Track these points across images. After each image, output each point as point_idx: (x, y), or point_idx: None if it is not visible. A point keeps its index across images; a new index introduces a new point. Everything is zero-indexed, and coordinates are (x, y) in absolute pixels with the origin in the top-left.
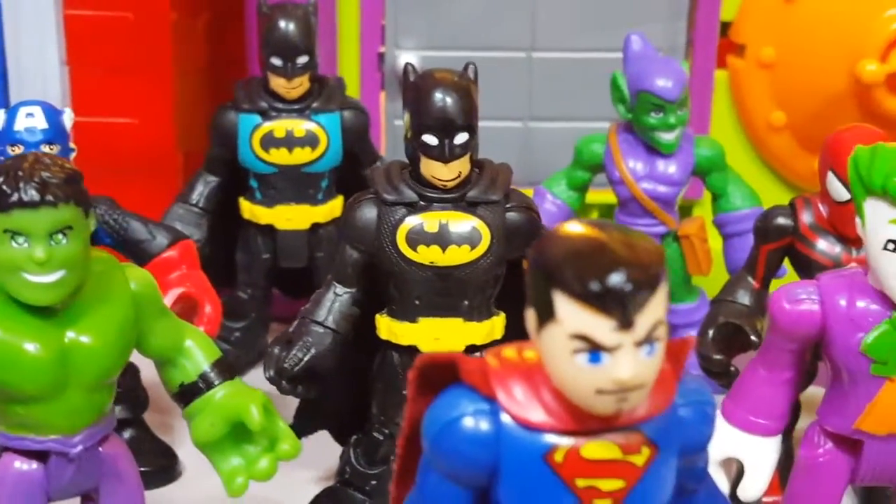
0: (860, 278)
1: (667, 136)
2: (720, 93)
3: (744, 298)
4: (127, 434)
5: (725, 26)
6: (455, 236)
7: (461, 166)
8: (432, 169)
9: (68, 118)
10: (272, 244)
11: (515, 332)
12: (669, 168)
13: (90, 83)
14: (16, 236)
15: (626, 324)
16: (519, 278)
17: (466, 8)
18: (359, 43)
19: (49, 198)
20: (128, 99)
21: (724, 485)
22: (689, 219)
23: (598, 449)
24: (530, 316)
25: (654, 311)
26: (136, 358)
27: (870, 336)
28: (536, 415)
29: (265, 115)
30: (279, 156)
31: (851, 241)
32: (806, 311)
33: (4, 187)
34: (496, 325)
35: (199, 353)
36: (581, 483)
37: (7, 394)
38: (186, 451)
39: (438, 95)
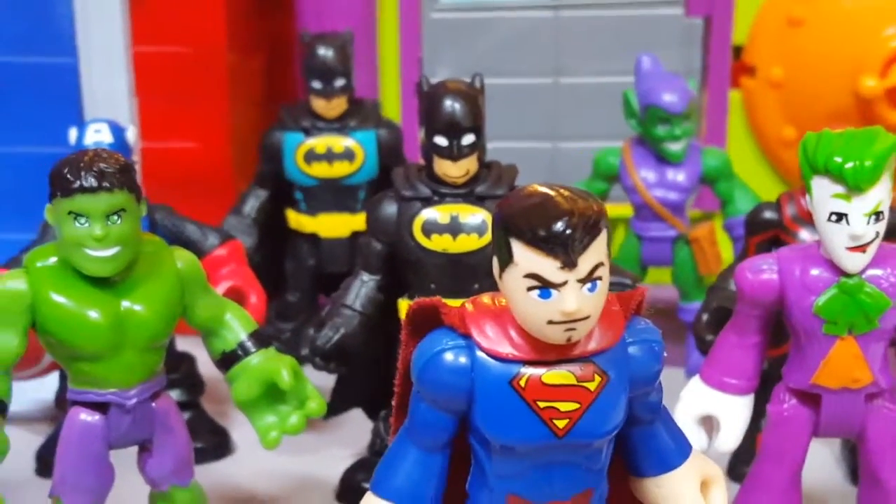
0: (814, 250)
1: (674, 147)
2: (735, 111)
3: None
4: (186, 416)
5: (738, 50)
6: (465, 226)
7: (469, 164)
8: (444, 167)
9: (132, 134)
10: (317, 251)
11: None
12: (678, 176)
13: (156, 112)
14: (78, 217)
15: (569, 264)
16: None
17: (497, 39)
18: (398, 73)
19: (105, 184)
20: (189, 126)
21: (701, 441)
22: (699, 223)
23: (556, 376)
24: (494, 263)
25: (594, 254)
26: (192, 348)
27: (821, 299)
28: (504, 348)
29: (308, 133)
30: (320, 169)
31: None
32: (766, 279)
33: (69, 175)
34: None
35: (237, 325)
36: (542, 404)
37: (74, 353)
38: (239, 434)
39: (448, 102)
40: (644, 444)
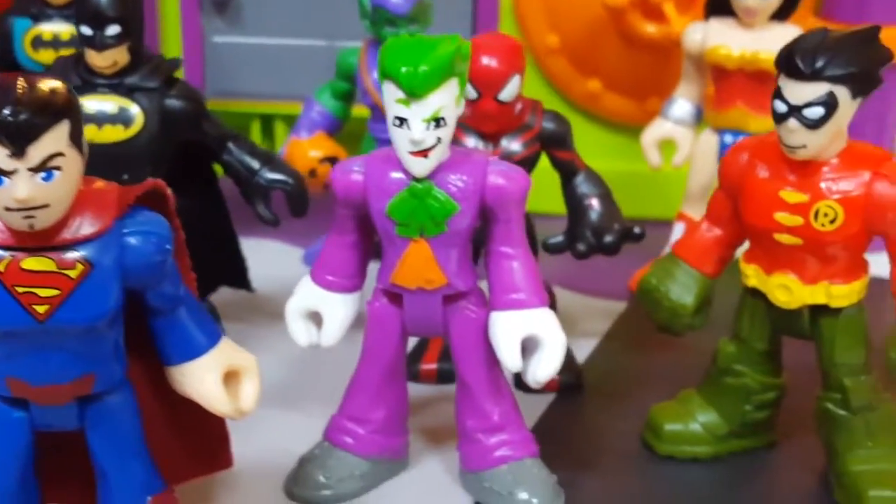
0: (394, 154)
1: None
2: (506, 18)
3: None
4: None
5: None
6: (109, 116)
7: (117, 55)
8: (91, 57)
9: None
10: None
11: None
12: None
13: None
14: None
15: (17, 152)
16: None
17: None
18: None
19: None
20: None
21: (311, 335)
22: None
23: (35, 262)
24: None
25: (48, 144)
26: None
27: (392, 201)
28: None
29: (36, 20)
30: (46, 56)
31: (489, 136)
32: (353, 180)
33: None
34: None
35: None
36: (21, 289)
37: None
38: None
39: None
40: (167, 333)
